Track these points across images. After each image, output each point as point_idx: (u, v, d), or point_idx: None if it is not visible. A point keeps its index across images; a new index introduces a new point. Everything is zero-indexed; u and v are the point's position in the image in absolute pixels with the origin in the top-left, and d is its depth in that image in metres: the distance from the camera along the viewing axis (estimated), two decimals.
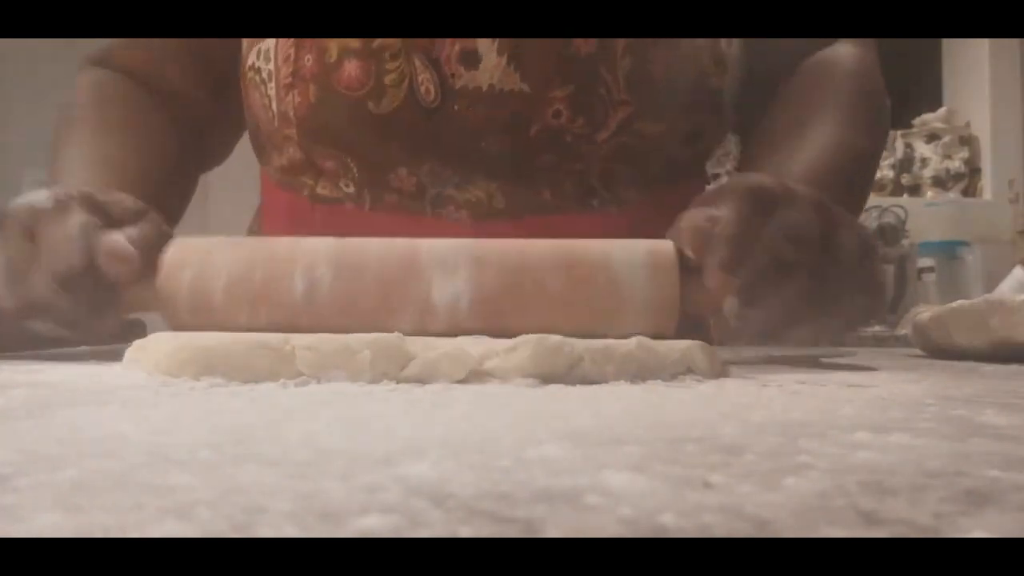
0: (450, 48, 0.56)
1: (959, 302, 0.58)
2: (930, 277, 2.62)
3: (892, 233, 2.45)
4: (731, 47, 0.62)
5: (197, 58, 0.68)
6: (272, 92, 0.62)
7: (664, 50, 0.58)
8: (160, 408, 0.27)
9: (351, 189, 0.61)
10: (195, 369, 0.35)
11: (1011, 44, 3.02)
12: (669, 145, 0.61)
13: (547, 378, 0.34)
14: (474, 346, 0.36)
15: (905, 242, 2.49)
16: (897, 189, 3.07)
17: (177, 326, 0.44)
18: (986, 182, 3.05)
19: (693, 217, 0.44)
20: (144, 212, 0.48)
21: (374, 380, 0.34)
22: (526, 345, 0.35)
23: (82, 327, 0.44)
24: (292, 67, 0.60)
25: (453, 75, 0.56)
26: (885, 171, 3.02)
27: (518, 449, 0.20)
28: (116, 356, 0.41)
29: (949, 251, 2.71)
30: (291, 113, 0.61)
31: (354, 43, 0.57)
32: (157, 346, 0.37)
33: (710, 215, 0.43)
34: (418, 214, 0.59)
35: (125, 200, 0.48)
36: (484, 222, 0.58)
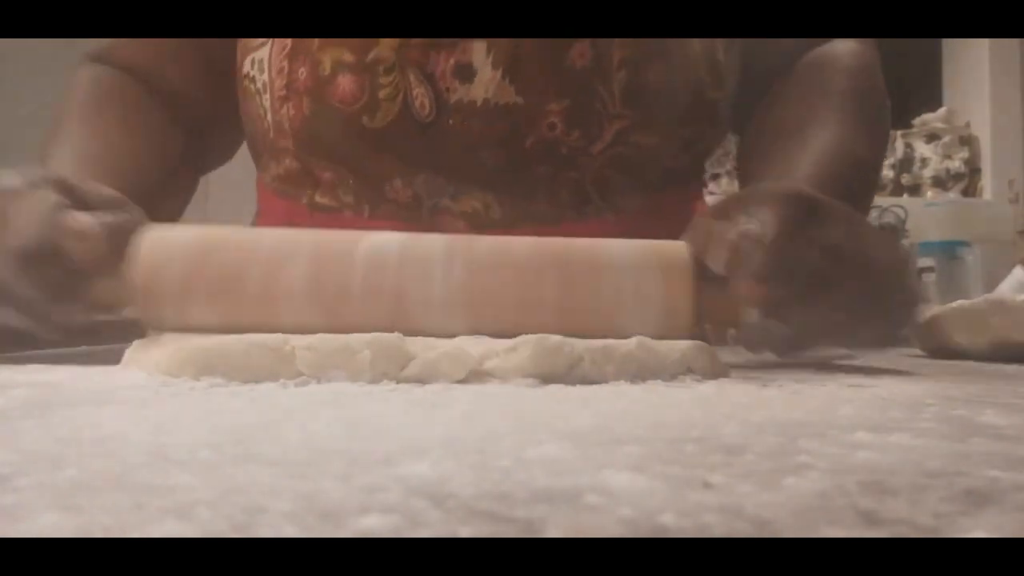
0: (444, 62, 0.56)
1: (959, 302, 0.58)
2: (930, 277, 2.62)
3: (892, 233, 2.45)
4: (728, 56, 0.62)
5: (199, 57, 0.67)
6: (267, 103, 0.62)
7: (659, 63, 0.58)
8: (160, 408, 0.27)
9: (349, 198, 0.61)
10: (194, 369, 0.34)
11: (1011, 44, 3.03)
12: (665, 155, 0.61)
13: (547, 378, 0.34)
14: (474, 346, 0.36)
15: (905, 242, 2.50)
16: (897, 189, 3.07)
17: (157, 323, 0.42)
18: (986, 182, 3.06)
19: (705, 223, 0.43)
20: (121, 202, 0.46)
21: (374, 380, 0.34)
22: (526, 345, 0.35)
23: (45, 318, 0.42)
24: (286, 79, 0.59)
25: (448, 89, 0.56)
26: (885, 171, 3.02)
27: (518, 449, 0.20)
28: (116, 356, 0.41)
29: (949, 251, 2.71)
30: (286, 125, 0.60)
31: (348, 56, 0.57)
32: (157, 346, 0.37)
33: (744, 229, 0.41)
34: (416, 224, 0.59)
35: (102, 188, 0.46)
36: (481, 232, 0.58)
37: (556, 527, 0.14)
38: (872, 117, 0.64)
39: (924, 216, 2.81)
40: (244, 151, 0.72)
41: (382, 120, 0.57)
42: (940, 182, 3.05)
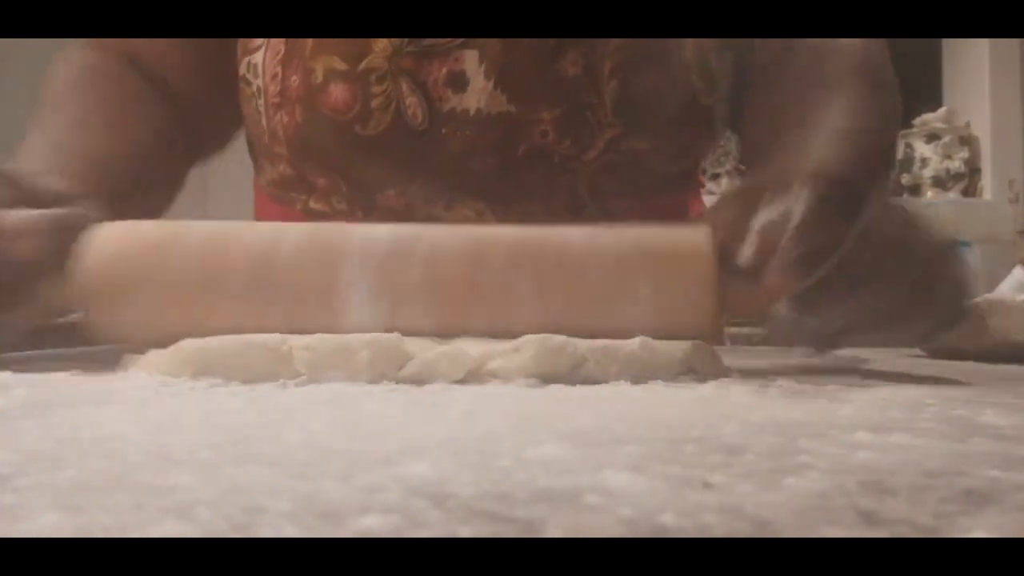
0: (437, 71, 0.56)
1: None
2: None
3: None
4: (720, 61, 0.62)
5: (193, 44, 0.66)
6: (262, 108, 0.62)
7: (651, 71, 0.58)
8: (160, 408, 0.27)
9: (342, 205, 0.61)
10: (192, 369, 0.34)
11: (1011, 44, 3.03)
12: (659, 161, 0.61)
13: (550, 378, 0.34)
14: (475, 346, 0.36)
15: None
16: (897, 189, 3.07)
17: (97, 324, 0.40)
18: (986, 182, 3.06)
19: (729, 208, 0.40)
20: (71, 196, 0.43)
21: (372, 380, 0.34)
22: (529, 345, 0.35)
23: None
24: (280, 86, 0.59)
25: (440, 98, 0.56)
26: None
27: (518, 449, 0.20)
28: (116, 357, 0.41)
29: None
30: (280, 132, 0.60)
31: (340, 65, 0.57)
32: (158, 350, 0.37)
33: (771, 217, 0.38)
34: None
35: (50, 181, 0.44)
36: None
37: (556, 527, 0.14)
38: (884, 91, 0.60)
39: (924, 216, 2.80)
40: (244, 153, 0.72)
41: (375, 129, 0.57)
42: (940, 182, 3.05)
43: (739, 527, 0.14)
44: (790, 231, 0.37)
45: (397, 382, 0.34)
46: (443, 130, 0.57)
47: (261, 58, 0.61)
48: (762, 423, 0.24)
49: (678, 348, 0.37)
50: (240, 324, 0.37)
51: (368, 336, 0.35)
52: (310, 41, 0.58)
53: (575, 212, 0.59)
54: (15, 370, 0.38)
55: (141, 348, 0.39)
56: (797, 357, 0.51)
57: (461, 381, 0.34)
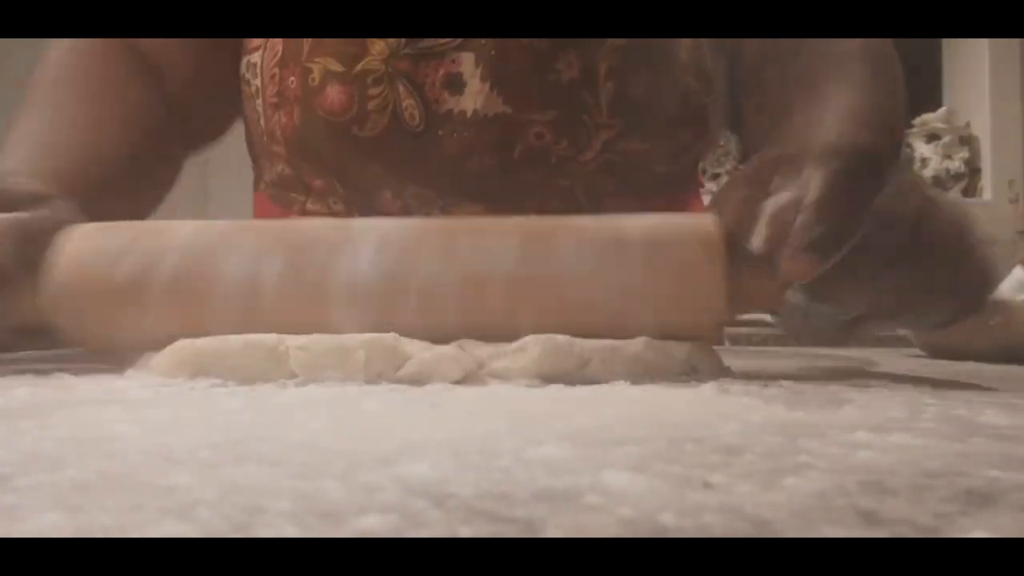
0: (434, 74, 0.56)
1: None
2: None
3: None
4: (716, 61, 0.62)
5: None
6: (260, 108, 0.62)
7: (646, 72, 0.58)
8: (160, 408, 0.27)
9: (339, 207, 0.61)
10: (190, 370, 0.34)
11: (1011, 44, 3.02)
12: (656, 161, 0.61)
13: (554, 378, 0.34)
14: (476, 346, 0.35)
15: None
16: None
17: (65, 330, 0.39)
18: (986, 182, 3.05)
19: (737, 189, 0.37)
20: (44, 198, 0.42)
21: (369, 381, 0.34)
22: (533, 345, 0.35)
23: None
24: (277, 87, 0.59)
25: (437, 100, 0.56)
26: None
27: (518, 449, 0.20)
28: (116, 357, 0.41)
29: None
30: (278, 132, 0.60)
31: (336, 67, 0.57)
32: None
33: (786, 197, 0.35)
34: None
35: (23, 184, 0.43)
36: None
37: (556, 527, 0.14)
38: (889, 73, 0.57)
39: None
40: (244, 151, 0.72)
41: (372, 131, 0.57)
42: (940, 182, 3.05)
43: (739, 527, 0.14)
44: (806, 210, 0.34)
45: (395, 383, 0.34)
46: (440, 132, 0.57)
47: (259, 58, 0.61)
48: (762, 423, 0.24)
49: (681, 348, 0.37)
50: (205, 327, 0.36)
51: (365, 336, 0.34)
52: (307, 42, 0.58)
53: (572, 213, 0.59)
54: (15, 370, 0.38)
55: (118, 353, 0.38)
56: (805, 352, 0.50)
57: (461, 381, 0.34)
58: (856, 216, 0.34)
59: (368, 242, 0.38)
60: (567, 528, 0.14)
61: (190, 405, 0.28)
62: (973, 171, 3.08)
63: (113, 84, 0.62)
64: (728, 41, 0.63)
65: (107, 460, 0.18)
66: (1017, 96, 3.05)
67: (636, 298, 0.37)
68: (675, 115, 0.60)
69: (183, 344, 0.35)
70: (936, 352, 0.60)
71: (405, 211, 0.59)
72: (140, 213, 0.60)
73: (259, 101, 0.62)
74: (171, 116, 0.64)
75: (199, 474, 0.17)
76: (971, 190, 3.07)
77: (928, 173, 3.07)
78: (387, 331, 0.35)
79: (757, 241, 0.35)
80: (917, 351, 0.63)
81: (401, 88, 0.56)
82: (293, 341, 0.35)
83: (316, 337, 0.35)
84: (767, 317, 0.42)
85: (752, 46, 0.62)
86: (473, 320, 0.37)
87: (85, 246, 0.39)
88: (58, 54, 0.62)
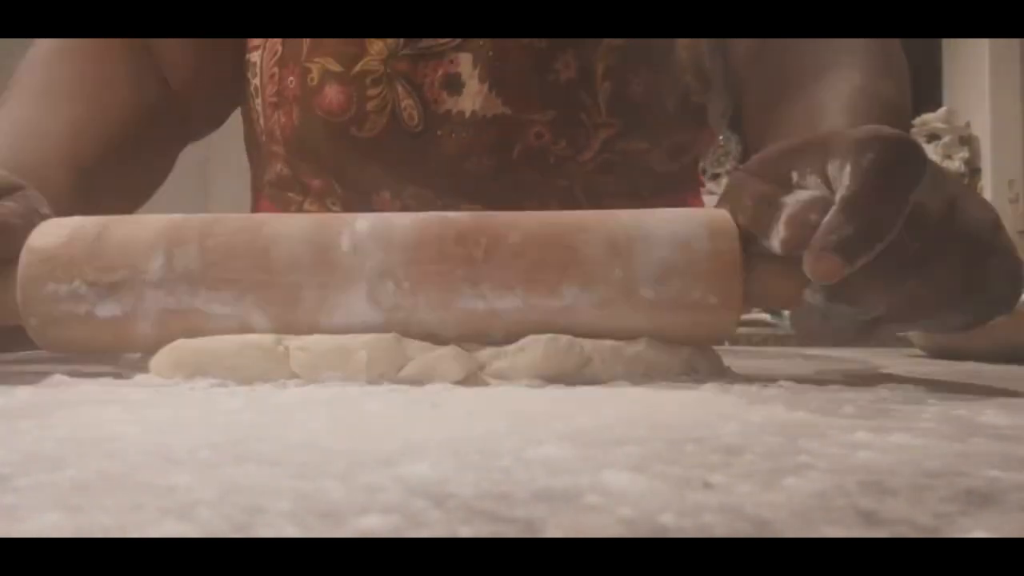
0: (432, 74, 0.56)
1: None
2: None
3: None
4: (714, 60, 0.61)
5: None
6: (260, 107, 0.62)
7: (645, 72, 0.58)
8: (160, 408, 0.27)
9: (337, 208, 0.61)
10: (188, 370, 0.34)
11: (1011, 44, 3.03)
12: (654, 160, 0.61)
13: (555, 378, 0.34)
14: (479, 347, 0.35)
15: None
16: None
17: (32, 328, 0.37)
18: (986, 182, 3.06)
19: (751, 183, 0.35)
20: (11, 189, 0.39)
21: (371, 381, 0.34)
22: (535, 345, 0.35)
23: None
24: (277, 87, 0.59)
25: (436, 101, 0.56)
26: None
27: (518, 449, 0.20)
28: (116, 357, 0.41)
29: None
30: (277, 132, 0.60)
31: (335, 67, 0.57)
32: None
33: (810, 197, 0.33)
34: None
35: None
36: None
37: (556, 527, 0.14)
38: (894, 61, 0.54)
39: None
40: (244, 150, 0.72)
41: (370, 131, 0.57)
42: None
43: (739, 527, 0.14)
44: (839, 204, 0.31)
45: (396, 383, 0.34)
46: (438, 132, 0.57)
47: (259, 58, 0.61)
48: (762, 423, 0.24)
49: (682, 348, 0.37)
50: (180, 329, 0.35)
51: (366, 336, 0.34)
52: (306, 43, 0.58)
53: None
54: (15, 370, 0.38)
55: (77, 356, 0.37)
56: (805, 352, 0.50)
57: (461, 381, 0.34)
58: (891, 215, 0.31)
59: (363, 283, 0.35)
60: (567, 528, 0.14)
61: (190, 405, 0.28)
62: (973, 171, 3.08)
63: (104, 75, 0.59)
64: (728, 42, 0.63)
65: (107, 460, 0.18)
66: (1017, 96, 3.05)
67: (650, 299, 0.35)
68: (674, 114, 0.60)
69: (182, 344, 0.35)
70: (936, 352, 0.60)
71: (404, 211, 0.59)
72: (131, 205, 0.59)
73: (258, 100, 0.62)
74: (167, 108, 0.62)
75: (199, 474, 0.17)
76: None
77: None
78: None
79: (776, 241, 0.33)
80: (917, 351, 0.63)
81: (400, 88, 0.56)
82: (293, 342, 0.35)
83: (317, 337, 0.35)
84: (767, 317, 0.41)
85: (744, 41, 0.61)
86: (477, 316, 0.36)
87: (47, 248, 0.36)
88: (48, 44, 0.60)
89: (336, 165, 0.59)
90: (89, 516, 0.14)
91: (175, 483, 0.16)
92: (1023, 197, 2.91)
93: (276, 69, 0.59)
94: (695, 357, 0.37)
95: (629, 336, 0.36)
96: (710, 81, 0.61)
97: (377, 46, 0.56)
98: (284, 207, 0.63)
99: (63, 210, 0.40)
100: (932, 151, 3.06)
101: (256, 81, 0.61)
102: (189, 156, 0.70)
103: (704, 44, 0.61)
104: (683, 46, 0.60)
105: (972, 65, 3.09)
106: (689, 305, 0.35)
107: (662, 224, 0.36)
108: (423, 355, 0.34)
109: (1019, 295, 0.35)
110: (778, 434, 0.22)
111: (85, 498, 0.15)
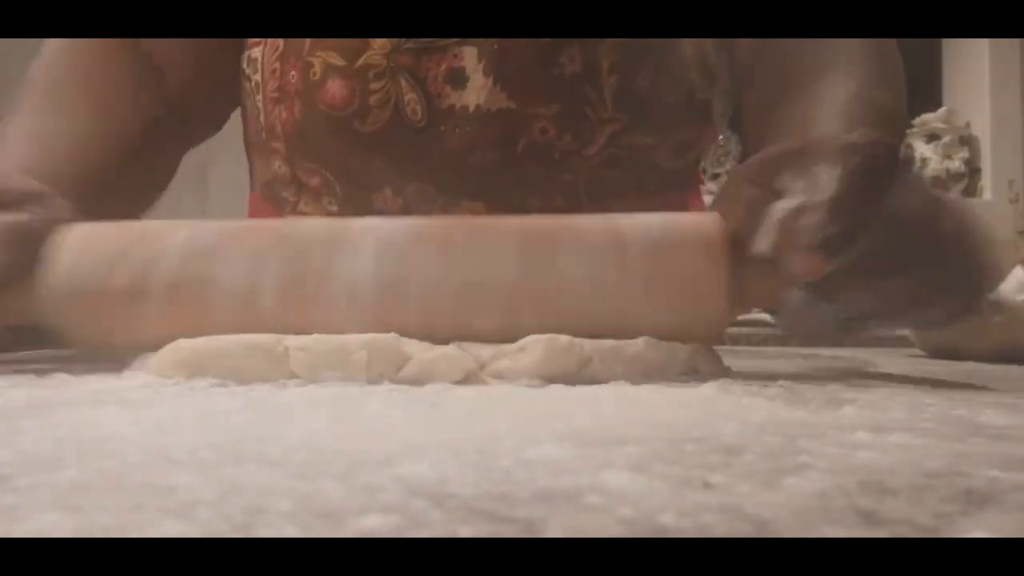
0: (436, 68, 0.56)
1: None
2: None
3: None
4: (719, 56, 0.61)
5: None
6: (260, 104, 0.61)
7: (650, 66, 0.58)
8: (160, 408, 0.27)
9: (334, 208, 0.60)
10: (187, 371, 0.34)
11: (1011, 44, 3.03)
12: (659, 156, 0.61)
13: (556, 378, 0.34)
14: (477, 347, 0.35)
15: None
16: None
17: (64, 329, 0.39)
18: (986, 182, 3.06)
19: (741, 189, 0.37)
20: (39, 196, 0.42)
21: (370, 381, 0.34)
22: (535, 345, 0.35)
23: None
24: (278, 82, 0.59)
25: (439, 95, 0.56)
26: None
27: (518, 449, 0.20)
28: (116, 357, 0.41)
29: None
30: (278, 127, 0.60)
31: (337, 60, 0.56)
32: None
33: (796, 204, 0.35)
34: None
35: (18, 182, 0.43)
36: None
37: (556, 527, 0.14)
38: (890, 67, 0.55)
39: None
40: (244, 151, 0.72)
41: (373, 125, 0.57)
42: (940, 182, 3.05)
43: (739, 527, 0.14)
44: (819, 208, 0.33)
45: (396, 383, 0.34)
46: (442, 127, 0.56)
47: (260, 53, 0.61)
48: (762, 423, 0.24)
49: (681, 348, 0.37)
50: (204, 328, 0.36)
51: (366, 336, 0.34)
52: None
53: (573, 211, 0.59)
54: (15, 370, 0.38)
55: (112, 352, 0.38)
56: (805, 352, 0.50)
57: (461, 381, 0.34)
58: (871, 215, 0.34)
59: (367, 246, 0.37)
60: (567, 528, 0.14)
61: (190, 405, 0.28)
62: (973, 171, 3.08)
63: (111, 82, 0.60)
64: (730, 46, 0.63)
65: (107, 460, 0.18)
66: (1017, 96, 3.05)
67: (638, 300, 0.37)
68: (679, 109, 0.60)
69: (181, 344, 0.35)
70: (936, 352, 0.60)
71: (405, 209, 0.59)
72: (138, 209, 0.60)
73: (259, 96, 0.61)
74: (170, 114, 0.63)
75: (199, 474, 0.17)
76: (971, 190, 3.07)
77: (928, 173, 3.06)
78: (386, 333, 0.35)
79: (763, 245, 0.35)
80: (917, 351, 0.63)
81: (403, 82, 0.56)
82: (293, 342, 0.35)
83: (317, 338, 0.35)
84: (767, 317, 0.42)
85: (746, 41, 0.61)
86: (472, 326, 0.37)
87: (82, 247, 0.39)
88: (55, 51, 0.61)
89: (338, 160, 0.59)
90: (89, 516, 0.14)
91: (175, 483, 0.16)
92: (1023, 197, 2.91)
93: (278, 64, 0.59)
94: (695, 357, 0.37)
95: (619, 325, 0.36)
96: (714, 77, 0.61)
97: (380, 40, 0.56)
98: (278, 207, 0.63)
99: (75, 217, 0.42)
100: (932, 151, 3.06)
101: (257, 77, 0.61)
102: (189, 159, 0.70)
103: (708, 40, 0.61)
104: (687, 42, 0.60)
105: (972, 65, 3.09)
106: (679, 309, 0.36)
107: (651, 228, 0.37)
108: (423, 355, 0.34)
109: (988, 296, 0.38)
110: (778, 434, 0.22)
111: (85, 498, 0.15)
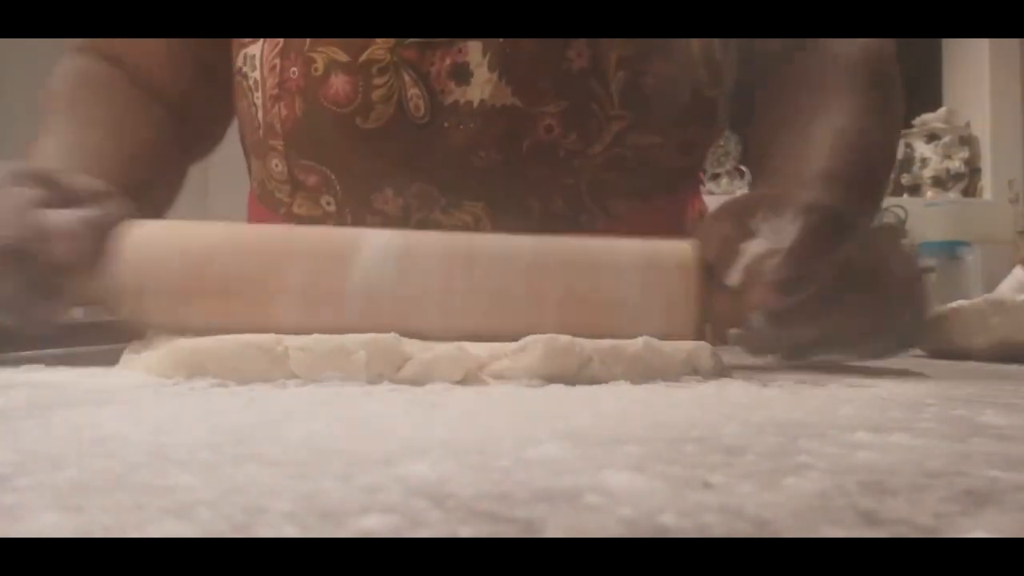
0: (440, 63, 0.55)
1: (959, 302, 0.58)
2: (930, 277, 2.62)
3: (892, 233, 2.45)
4: (725, 54, 0.61)
5: (184, 48, 0.65)
6: (259, 101, 0.61)
7: (658, 62, 0.57)
8: (160, 408, 0.27)
9: (332, 208, 0.60)
10: (186, 370, 0.34)
11: (1011, 44, 3.03)
12: (663, 155, 0.60)
13: (555, 378, 0.34)
14: (479, 346, 0.35)
15: (905, 242, 2.49)
16: (897, 189, 3.07)
17: (134, 319, 0.42)
18: (986, 182, 3.06)
19: (720, 227, 0.43)
20: (105, 194, 0.45)
21: (370, 381, 0.34)
22: (536, 345, 0.35)
23: (26, 314, 0.42)
24: (278, 78, 0.58)
25: (443, 91, 0.55)
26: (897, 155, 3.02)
27: (518, 449, 0.20)
28: (115, 357, 0.41)
29: (949, 251, 2.71)
30: (277, 125, 0.59)
31: (341, 56, 0.56)
32: (149, 348, 0.37)
33: (762, 251, 0.41)
34: None
35: (85, 180, 0.46)
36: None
37: (556, 527, 0.14)
38: (886, 102, 0.63)
39: (924, 216, 2.81)
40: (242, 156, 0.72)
41: (376, 121, 0.56)
42: (940, 182, 3.05)
43: (739, 527, 0.14)
44: (780, 256, 0.40)
45: (396, 383, 0.34)
46: (445, 124, 0.56)
47: (259, 50, 0.60)
48: (762, 423, 0.24)
49: (681, 348, 0.37)
50: (266, 324, 0.38)
51: (365, 336, 0.34)
52: None
53: (574, 218, 0.59)
54: (15, 370, 0.38)
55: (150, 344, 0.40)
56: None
57: (461, 381, 0.34)
58: (822, 267, 0.41)
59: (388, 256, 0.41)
60: (567, 528, 0.14)
61: (190, 405, 0.28)
62: (973, 171, 3.08)
63: (122, 98, 0.63)
64: (735, 45, 0.63)
65: (107, 460, 0.18)
66: (1017, 96, 3.05)
67: (624, 313, 0.41)
68: (685, 108, 0.59)
69: (181, 344, 0.35)
70: (936, 352, 0.60)
71: (405, 211, 0.58)
72: (154, 216, 0.61)
73: (257, 94, 0.61)
74: (174, 127, 0.65)
75: (199, 474, 0.17)
76: (971, 190, 3.07)
77: (928, 173, 3.07)
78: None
79: (733, 279, 0.41)
80: (917, 351, 0.63)
81: (406, 77, 0.55)
82: (292, 341, 0.35)
83: (317, 338, 0.35)
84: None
85: (768, 48, 0.64)
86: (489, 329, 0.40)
87: (152, 242, 0.42)
88: (66, 74, 0.64)
89: (339, 158, 0.58)
90: (89, 516, 0.14)
91: (175, 483, 0.16)
92: (1023, 197, 2.91)
93: (277, 60, 0.59)
94: (695, 357, 0.37)
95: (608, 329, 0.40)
96: (721, 76, 0.61)
97: None
98: (272, 208, 0.63)
99: (135, 215, 0.45)
100: (932, 151, 3.06)
101: (255, 74, 0.61)
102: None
103: (715, 39, 0.60)
104: (695, 40, 0.59)
105: (972, 65, 3.09)
106: (656, 322, 0.40)
107: (631, 251, 0.42)
108: (422, 355, 0.34)
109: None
110: (778, 434, 0.22)
111: (85, 498, 0.15)
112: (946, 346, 0.58)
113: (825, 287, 0.41)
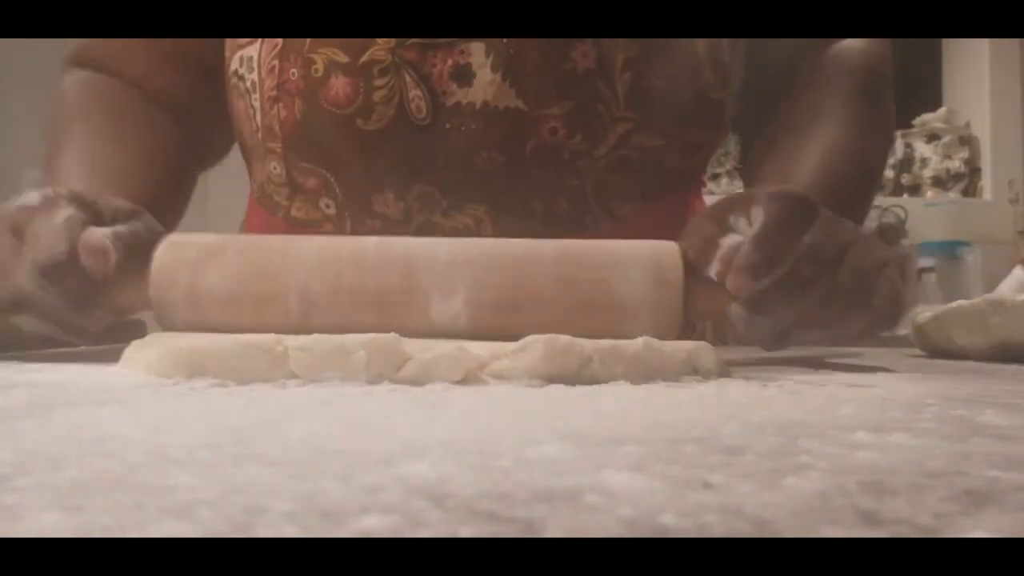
0: (442, 64, 0.55)
1: (959, 302, 0.58)
2: (930, 277, 2.63)
3: (892, 233, 2.45)
4: (732, 56, 0.61)
5: (186, 58, 0.65)
6: (257, 103, 0.60)
7: (664, 63, 0.57)
8: (160, 408, 0.27)
9: (331, 211, 0.59)
10: (186, 370, 0.34)
11: (1011, 44, 3.03)
12: (668, 157, 0.60)
13: (555, 378, 0.34)
14: (479, 346, 0.35)
15: (905, 242, 2.50)
16: (897, 189, 3.08)
17: (169, 327, 0.44)
18: (986, 182, 3.06)
19: (702, 226, 0.46)
20: (136, 212, 0.48)
21: (370, 381, 0.34)
22: (535, 346, 0.35)
23: (67, 324, 0.45)
24: (277, 80, 0.58)
25: (445, 92, 0.55)
26: (885, 171, 3.02)
27: (518, 449, 0.20)
28: (115, 356, 0.41)
29: (949, 251, 2.71)
30: (276, 127, 0.59)
31: (341, 57, 0.55)
32: (149, 347, 0.37)
33: (734, 239, 0.44)
34: None
35: (116, 201, 0.49)
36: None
37: (556, 527, 0.14)
38: (877, 117, 0.65)
39: (924, 216, 2.81)
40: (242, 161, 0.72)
41: (377, 123, 0.56)
42: (940, 182, 3.05)
43: (739, 527, 0.14)
44: (751, 240, 0.43)
45: (396, 383, 0.34)
46: (447, 125, 0.55)
47: (256, 51, 0.59)
48: (762, 423, 0.24)
49: (682, 349, 0.37)
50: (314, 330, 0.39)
51: (365, 336, 0.34)
52: None
53: (578, 220, 0.59)
54: (15, 369, 0.38)
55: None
56: (805, 352, 0.53)
57: (461, 381, 0.34)
58: (784, 250, 0.43)
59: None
60: (567, 528, 0.14)
61: (190, 405, 0.28)
62: (973, 171, 3.08)
63: (134, 113, 0.65)
64: (744, 41, 0.63)
65: (107, 460, 0.18)
66: (1017, 96, 3.05)
67: (613, 313, 0.43)
68: (690, 109, 0.59)
69: (181, 344, 0.35)
70: (936, 352, 0.60)
71: (406, 213, 0.58)
72: (170, 229, 0.62)
73: (255, 96, 0.60)
74: (182, 140, 0.67)
75: (199, 474, 0.17)
76: (971, 190, 3.08)
77: (928, 173, 3.07)
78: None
79: (713, 271, 0.45)
80: (917, 351, 0.63)
81: (408, 78, 0.55)
82: (292, 341, 0.35)
83: (316, 337, 0.35)
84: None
85: (767, 53, 0.65)
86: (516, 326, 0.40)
87: (185, 256, 0.45)
88: (73, 91, 0.66)
89: (339, 160, 0.58)
90: (89, 516, 0.14)
91: (175, 483, 0.16)
92: (1023, 197, 2.92)
93: (276, 62, 0.58)
94: (695, 357, 0.37)
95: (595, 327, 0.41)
96: (728, 77, 0.61)
97: None
98: (271, 210, 0.63)
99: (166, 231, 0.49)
100: (932, 151, 3.06)
101: (253, 76, 0.60)
102: None
103: (722, 40, 0.60)
104: (702, 40, 0.59)
105: (972, 65, 3.10)
106: (641, 319, 0.42)
107: (619, 251, 0.44)
108: (422, 355, 0.34)
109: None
110: (778, 434, 0.22)
111: (85, 498, 0.15)
112: (946, 346, 0.58)
113: (794, 270, 0.43)
